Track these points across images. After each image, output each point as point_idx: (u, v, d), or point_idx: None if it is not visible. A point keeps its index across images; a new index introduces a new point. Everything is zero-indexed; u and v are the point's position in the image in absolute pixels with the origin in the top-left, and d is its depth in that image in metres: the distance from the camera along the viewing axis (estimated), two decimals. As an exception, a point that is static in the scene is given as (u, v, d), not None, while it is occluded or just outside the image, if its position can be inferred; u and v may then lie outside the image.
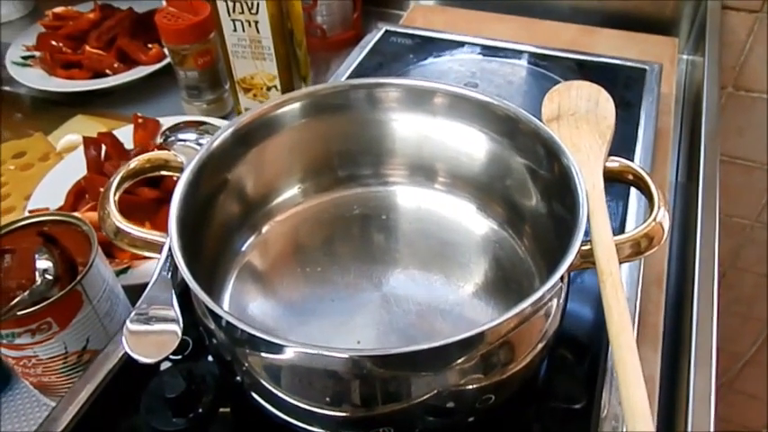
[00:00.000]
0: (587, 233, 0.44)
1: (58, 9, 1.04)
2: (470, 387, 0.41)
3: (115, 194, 0.46)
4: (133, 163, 0.49)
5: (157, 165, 0.49)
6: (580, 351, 0.54)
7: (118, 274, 0.62)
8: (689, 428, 0.48)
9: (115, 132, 0.78)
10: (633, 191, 0.63)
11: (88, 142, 0.75)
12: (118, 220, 0.46)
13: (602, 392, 0.50)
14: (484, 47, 0.88)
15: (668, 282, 0.62)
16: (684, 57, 0.96)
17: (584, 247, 0.43)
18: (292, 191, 0.59)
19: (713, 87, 0.81)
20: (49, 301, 0.48)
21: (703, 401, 0.50)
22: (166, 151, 0.50)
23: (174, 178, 0.50)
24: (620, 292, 0.41)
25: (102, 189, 0.68)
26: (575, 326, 0.54)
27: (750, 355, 1.32)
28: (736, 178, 1.09)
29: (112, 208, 0.46)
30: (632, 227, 0.61)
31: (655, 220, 0.45)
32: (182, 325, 0.40)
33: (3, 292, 0.49)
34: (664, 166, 0.73)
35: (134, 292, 0.57)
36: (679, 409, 0.52)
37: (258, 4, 0.70)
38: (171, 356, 0.42)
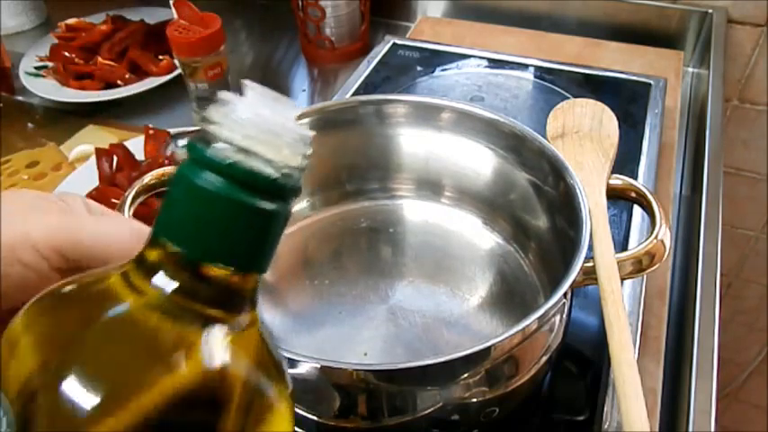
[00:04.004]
0: (590, 250, 0.45)
1: (71, 20, 1.05)
2: (475, 400, 0.42)
3: (130, 209, 0.47)
4: (147, 178, 0.50)
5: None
6: (583, 363, 0.55)
7: (129, 284, 0.62)
8: (690, 441, 0.49)
9: (126, 143, 0.79)
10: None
11: (100, 153, 0.76)
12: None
13: (604, 404, 0.50)
14: (490, 60, 0.89)
15: (671, 295, 0.63)
16: (690, 70, 0.96)
17: (586, 264, 0.44)
18: (301, 204, 0.60)
19: (718, 100, 0.82)
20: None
21: (704, 414, 0.51)
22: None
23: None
24: (621, 309, 0.42)
25: (114, 200, 0.69)
26: (578, 339, 0.54)
27: (755, 365, 1.32)
28: (742, 190, 1.10)
29: (127, 223, 0.47)
30: (636, 239, 0.63)
31: (656, 237, 0.46)
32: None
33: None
34: (668, 179, 0.73)
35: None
36: (680, 421, 0.52)
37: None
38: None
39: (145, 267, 0.22)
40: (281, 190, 0.21)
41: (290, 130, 0.21)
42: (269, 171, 0.20)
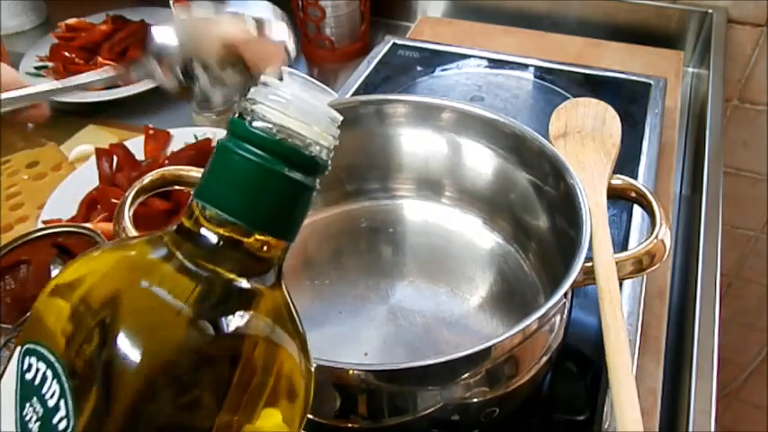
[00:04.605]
0: (589, 250, 0.45)
1: (71, 20, 1.05)
2: (475, 400, 0.42)
3: (130, 209, 0.47)
4: (147, 178, 0.49)
5: (171, 180, 0.50)
6: (583, 363, 0.55)
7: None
8: (690, 441, 0.49)
9: (126, 143, 0.79)
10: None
11: (100, 153, 0.76)
12: (133, 234, 0.47)
13: (604, 404, 0.50)
14: (490, 60, 0.89)
15: (671, 295, 0.63)
16: (690, 70, 0.96)
17: (587, 264, 0.44)
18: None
19: (718, 100, 0.82)
20: (64, 311, 0.49)
21: (704, 414, 0.51)
22: (180, 167, 0.51)
23: (186, 191, 0.51)
24: (619, 311, 0.42)
25: (114, 200, 0.69)
26: (578, 339, 0.54)
27: (755, 365, 1.32)
28: (742, 190, 1.10)
29: (127, 223, 0.47)
30: (636, 239, 0.63)
31: (657, 237, 0.45)
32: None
33: (20, 302, 0.50)
34: (668, 179, 0.73)
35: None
36: (680, 421, 0.52)
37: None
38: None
39: (183, 231, 0.25)
40: (312, 164, 0.24)
41: (323, 112, 0.24)
42: (302, 146, 0.24)
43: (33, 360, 0.24)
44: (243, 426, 0.24)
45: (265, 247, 0.25)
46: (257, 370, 0.24)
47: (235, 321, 0.24)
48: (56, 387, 0.23)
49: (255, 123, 0.23)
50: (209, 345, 0.24)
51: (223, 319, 0.24)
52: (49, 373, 0.23)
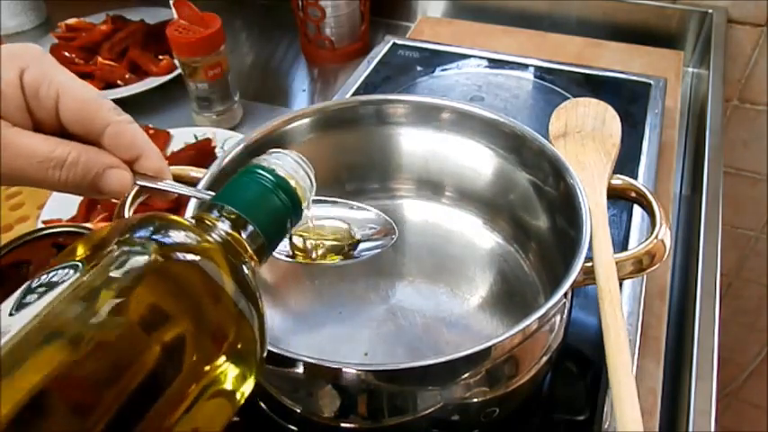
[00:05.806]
0: (589, 250, 0.45)
1: (71, 20, 1.05)
2: (475, 400, 0.42)
3: (130, 209, 0.47)
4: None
5: (171, 180, 0.50)
6: (583, 363, 0.55)
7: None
8: (690, 441, 0.49)
9: (127, 143, 0.79)
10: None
11: (101, 153, 0.76)
12: (132, 234, 0.47)
13: (604, 404, 0.50)
14: (490, 60, 0.89)
15: (671, 295, 0.63)
16: (690, 70, 0.96)
17: (587, 264, 0.44)
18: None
19: (718, 100, 0.82)
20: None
21: (704, 414, 0.51)
22: (180, 167, 0.51)
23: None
24: (619, 310, 0.42)
25: (114, 200, 0.69)
26: (578, 339, 0.54)
27: (755, 365, 1.32)
28: (742, 190, 1.10)
29: (127, 223, 0.47)
30: (636, 239, 0.63)
31: (657, 237, 0.45)
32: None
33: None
34: (668, 178, 0.73)
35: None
36: (680, 421, 0.52)
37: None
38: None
39: (203, 222, 0.33)
40: (292, 195, 0.35)
41: (305, 174, 0.37)
42: (287, 182, 0.35)
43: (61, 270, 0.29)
44: (204, 363, 0.28)
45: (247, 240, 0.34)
46: (221, 320, 0.30)
47: (212, 267, 0.30)
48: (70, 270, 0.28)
49: (265, 166, 0.35)
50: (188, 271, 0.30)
51: (206, 262, 0.30)
52: (71, 270, 0.29)
